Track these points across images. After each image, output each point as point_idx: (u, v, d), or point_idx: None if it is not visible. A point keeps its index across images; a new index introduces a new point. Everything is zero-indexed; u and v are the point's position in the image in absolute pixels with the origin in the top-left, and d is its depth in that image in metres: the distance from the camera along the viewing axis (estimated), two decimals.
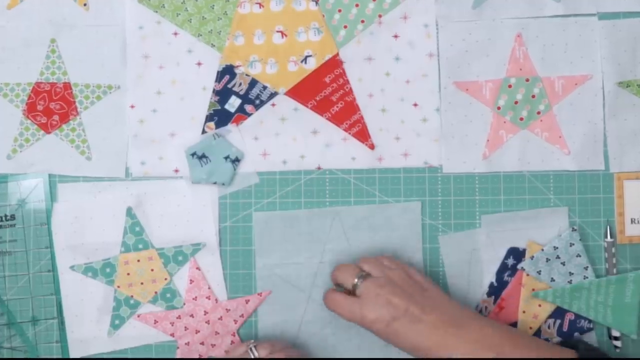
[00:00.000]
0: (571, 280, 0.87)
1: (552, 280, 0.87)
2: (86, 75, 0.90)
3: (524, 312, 0.88)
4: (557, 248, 0.87)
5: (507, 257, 0.88)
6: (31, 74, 0.90)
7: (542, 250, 0.87)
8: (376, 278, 0.79)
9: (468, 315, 0.77)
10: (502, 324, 0.80)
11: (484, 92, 0.90)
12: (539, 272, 0.87)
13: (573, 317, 0.88)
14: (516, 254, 0.88)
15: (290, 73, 0.90)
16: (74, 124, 0.90)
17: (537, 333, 0.88)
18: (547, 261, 0.87)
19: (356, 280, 0.79)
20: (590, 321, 0.88)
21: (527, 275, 0.87)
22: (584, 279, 0.87)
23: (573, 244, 0.87)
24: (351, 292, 0.80)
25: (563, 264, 0.87)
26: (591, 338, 0.88)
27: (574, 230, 0.87)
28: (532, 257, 0.87)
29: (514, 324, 0.88)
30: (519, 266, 0.87)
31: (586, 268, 0.87)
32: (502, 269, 0.88)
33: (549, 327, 0.88)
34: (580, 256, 0.87)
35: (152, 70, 0.90)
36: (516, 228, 0.88)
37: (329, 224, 0.89)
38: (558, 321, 0.88)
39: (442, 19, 0.90)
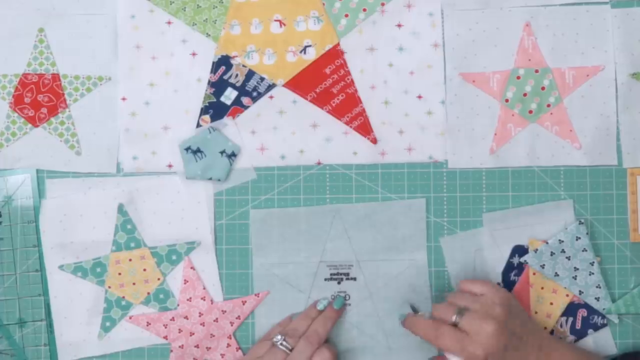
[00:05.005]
0: (576, 276, 0.86)
1: (556, 275, 0.86)
2: (76, 66, 0.90)
3: (536, 312, 0.87)
4: (563, 242, 0.87)
5: (512, 256, 0.88)
6: (18, 65, 0.90)
7: (547, 243, 0.87)
8: (475, 312, 0.79)
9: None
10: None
11: (492, 83, 0.89)
12: (542, 266, 0.86)
13: (586, 314, 0.88)
14: (521, 252, 0.88)
15: (289, 64, 0.89)
16: (63, 117, 0.89)
17: (551, 333, 0.87)
18: (551, 255, 0.87)
19: (455, 316, 0.79)
20: (603, 317, 0.87)
21: (534, 274, 0.87)
22: (590, 275, 0.86)
23: (579, 238, 0.87)
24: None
25: (568, 258, 0.87)
26: (605, 334, 0.88)
27: (580, 223, 0.87)
28: (535, 250, 0.87)
29: None
30: (522, 259, 0.87)
31: (592, 263, 0.87)
32: (508, 268, 0.88)
33: (561, 326, 0.88)
34: (586, 251, 0.87)
35: (144, 61, 0.90)
36: (520, 225, 0.88)
37: (330, 222, 0.89)
38: (570, 319, 0.88)
39: (448, 8, 0.90)
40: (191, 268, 0.88)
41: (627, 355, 0.85)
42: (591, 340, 0.87)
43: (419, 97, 0.89)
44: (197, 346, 0.88)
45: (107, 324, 0.88)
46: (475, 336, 0.77)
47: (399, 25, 0.89)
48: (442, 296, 0.87)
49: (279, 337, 0.82)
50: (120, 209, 0.88)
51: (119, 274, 0.88)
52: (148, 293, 0.88)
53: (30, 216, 0.88)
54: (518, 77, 0.88)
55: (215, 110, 0.89)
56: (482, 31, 0.89)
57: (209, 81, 0.89)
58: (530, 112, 0.88)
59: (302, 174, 0.89)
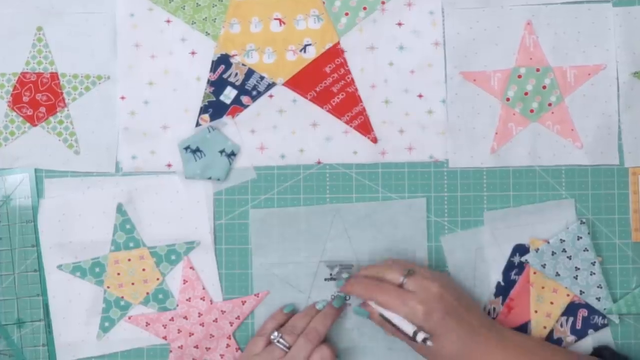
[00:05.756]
0: (577, 276, 0.86)
1: (557, 275, 0.86)
2: (74, 65, 0.89)
3: (536, 311, 0.87)
4: (564, 241, 0.86)
5: (513, 254, 0.88)
6: (16, 63, 0.89)
7: (548, 242, 0.86)
8: (422, 274, 0.80)
9: (493, 321, 0.83)
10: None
11: (492, 82, 0.89)
12: (543, 266, 0.86)
13: (586, 314, 0.87)
14: (522, 251, 0.87)
15: (289, 63, 0.89)
16: (62, 116, 0.89)
17: (551, 332, 0.87)
18: (552, 254, 0.86)
19: (403, 278, 0.80)
20: (604, 317, 0.87)
21: (535, 273, 0.87)
22: (591, 274, 0.86)
23: (581, 237, 0.86)
24: None
25: (569, 257, 0.86)
26: (606, 334, 0.87)
27: (582, 222, 0.87)
28: (536, 250, 0.86)
29: (526, 325, 0.87)
30: (522, 259, 0.87)
31: (593, 263, 0.86)
32: (509, 267, 0.88)
33: (561, 326, 0.87)
34: (587, 250, 0.86)
35: (143, 60, 0.89)
36: (521, 224, 0.88)
37: (330, 222, 0.88)
38: (571, 319, 0.87)
39: (449, 6, 0.89)
40: (190, 268, 0.88)
41: (597, 350, 0.85)
42: (591, 340, 0.87)
43: (420, 96, 0.89)
44: (196, 346, 0.87)
45: (106, 324, 0.88)
46: (419, 293, 0.78)
47: (400, 24, 0.89)
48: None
49: (276, 333, 0.82)
50: (119, 209, 0.88)
51: (118, 274, 0.87)
52: (147, 293, 0.88)
53: (29, 216, 0.88)
54: (519, 76, 0.88)
55: (214, 109, 0.89)
56: (483, 30, 0.88)
57: (209, 80, 0.89)
58: (532, 111, 0.88)
59: (302, 174, 0.89)
